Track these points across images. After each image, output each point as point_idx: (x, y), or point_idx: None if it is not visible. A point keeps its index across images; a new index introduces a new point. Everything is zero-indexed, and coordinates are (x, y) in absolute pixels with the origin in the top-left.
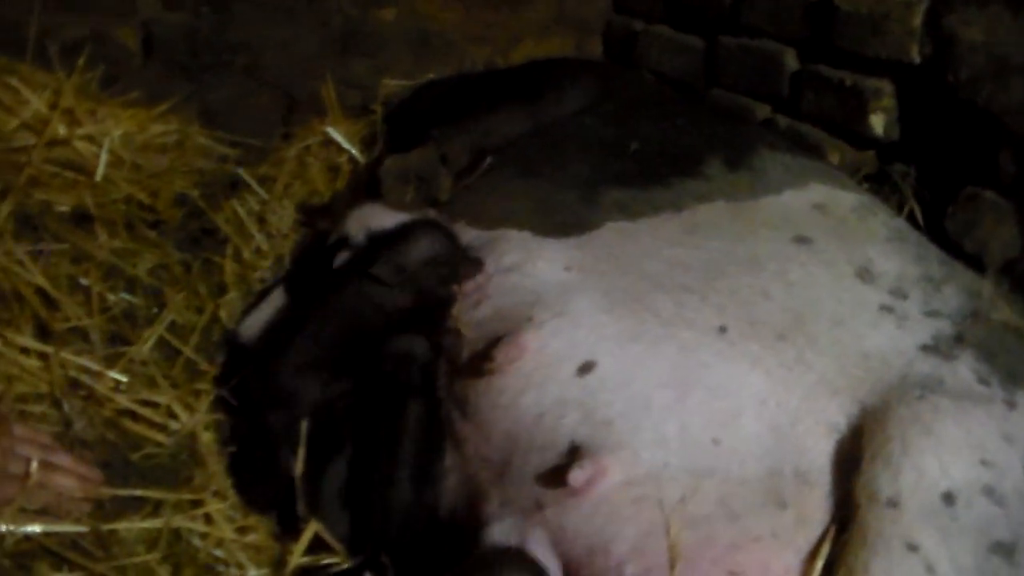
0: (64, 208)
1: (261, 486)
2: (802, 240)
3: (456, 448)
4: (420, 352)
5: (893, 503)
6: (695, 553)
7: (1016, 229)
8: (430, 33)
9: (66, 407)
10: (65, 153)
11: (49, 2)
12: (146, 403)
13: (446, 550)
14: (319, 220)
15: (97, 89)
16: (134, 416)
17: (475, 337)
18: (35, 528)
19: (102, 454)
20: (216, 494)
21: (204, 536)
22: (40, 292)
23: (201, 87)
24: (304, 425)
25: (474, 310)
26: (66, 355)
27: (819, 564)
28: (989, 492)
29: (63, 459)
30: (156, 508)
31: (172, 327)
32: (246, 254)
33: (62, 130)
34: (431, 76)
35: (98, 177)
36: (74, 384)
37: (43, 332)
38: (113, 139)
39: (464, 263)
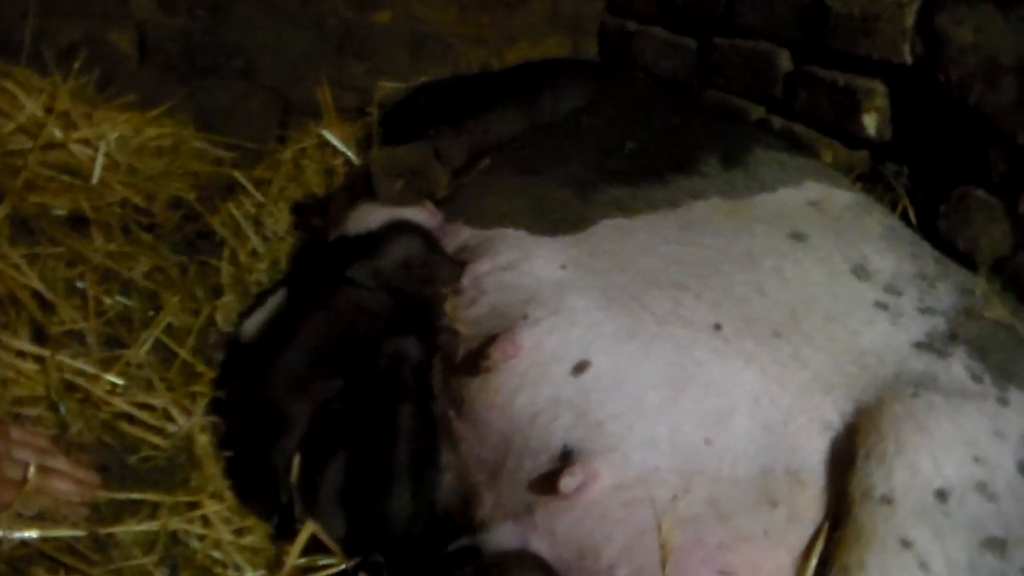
0: (60, 211)
1: (258, 489)
2: (797, 237)
3: (452, 447)
4: (413, 352)
5: (887, 500)
6: (685, 554)
7: (1007, 227)
8: (425, 35)
9: (63, 410)
10: (61, 157)
11: (44, 5)
12: (143, 406)
13: (441, 550)
14: (315, 220)
15: (92, 93)
16: (131, 419)
17: (471, 335)
18: (32, 533)
19: (99, 457)
20: (213, 496)
21: (201, 538)
22: (36, 295)
23: (196, 90)
24: (299, 428)
25: (470, 308)
26: (62, 358)
27: (813, 562)
28: (982, 488)
29: (60, 463)
30: (153, 511)
31: (168, 330)
32: (242, 257)
33: (58, 133)
34: (426, 78)
35: (94, 180)
36: (70, 387)
37: (39, 335)
38: (109, 142)
39: (444, 265)
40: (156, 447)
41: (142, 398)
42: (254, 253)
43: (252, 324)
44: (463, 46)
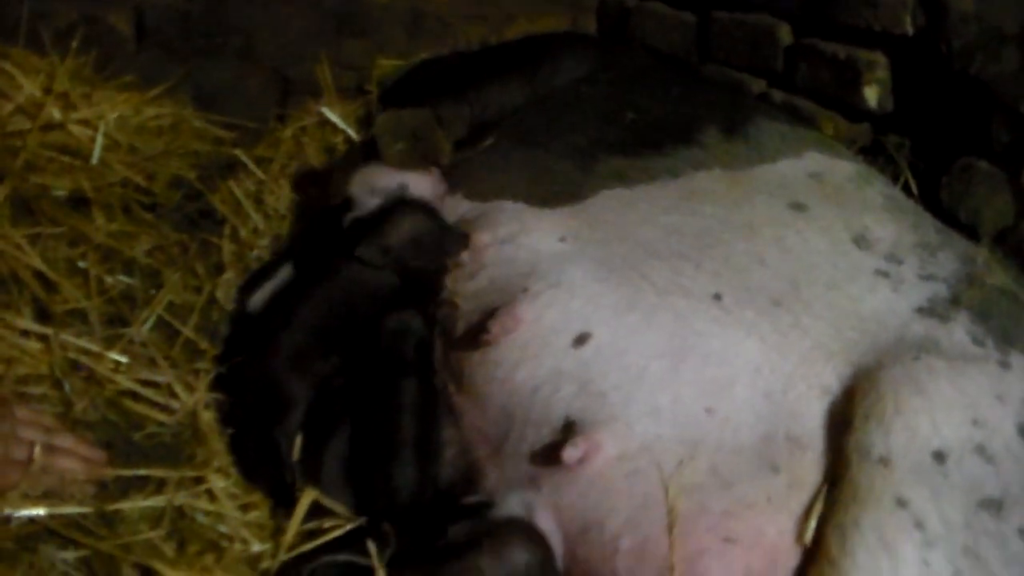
0: (61, 192)
1: (261, 467)
2: (798, 207)
3: (453, 422)
4: (416, 327)
5: (884, 461)
6: (690, 522)
7: (1010, 198)
8: (423, 13)
9: (67, 388)
10: (60, 137)
11: None
12: (147, 383)
13: (445, 523)
14: (316, 196)
15: (91, 73)
16: (135, 396)
17: (470, 309)
18: (39, 511)
19: (104, 434)
20: (219, 471)
21: (208, 513)
22: (38, 275)
23: (195, 70)
24: (301, 406)
25: (469, 282)
26: (66, 337)
27: (812, 523)
28: (980, 450)
29: (66, 441)
30: (159, 486)
31: (170, 307)
32: (243, 234)
33: (57, 114)
34: (425, 56)
35: (94, 160)
36: (74, 366)
37: (42, 315)
38: (108, 123)
39: (450, 239)
40: (161, 424)
41: (146, 375)
42: (256, 230)
43: (259, 298)
44: (462, 24)
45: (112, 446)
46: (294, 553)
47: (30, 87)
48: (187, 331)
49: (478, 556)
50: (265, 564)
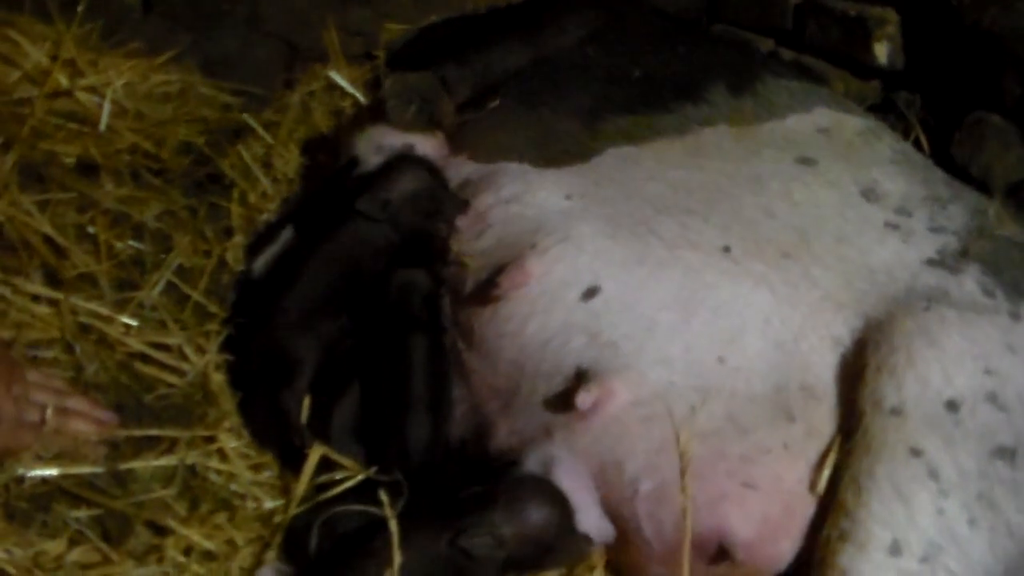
0: (69, 159)
1: (270, 428)
2: (806, 161)
3: (463, 379)
4: (423, 282)
5: (897, 411)
6: (708, 466)
7: (1021, 152)
8: None
9: (78, 352)
10: (67, 104)
11: None
12: (157, 346)
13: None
14: (324, 160)
15: (97, 40)
16: (145, 359)
17: (479, 267)
18: (52, 471)
19: (115, 397)
20: (230, 431)
21: (220, 472)
22: (48, 241)
23: (201, 38)
24: (308, 368)
25: (476, 241)
26: (76, 301)
27: (826, 473)
28: (992, 399)
29: (78, 403)
30: (171, 447)
31: (180, 271)
32: (252, 198)
33: (64, 81)
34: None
35: (102, 127)
36: (85, 329)
37: (52, 280)
38: (116, 89)
39: (450, 201)
40: (171, 386)
41: (156, 338)
42: (264, 194)
43: (262, 261)
44: None
45: (123, 408)
46: (305, 507)
47: (37, 55)
48: (196, 294)
49: (492, 512)
50: (278, 520)
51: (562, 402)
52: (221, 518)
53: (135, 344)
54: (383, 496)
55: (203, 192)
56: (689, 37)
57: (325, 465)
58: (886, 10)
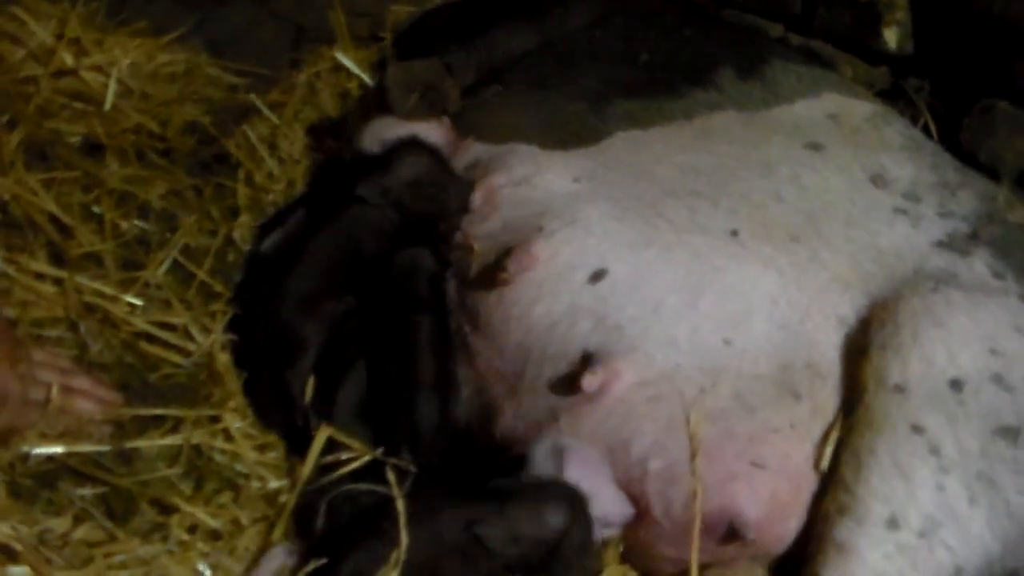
0: (74, 138)
1: (274, 409)
2: (815, 147)
3: (468, 363)
4: (427, 263)
5: (900, 388)
6: (717, 446)
7: None
8: None
9: (82, 331)
10: (73, 83)
11: None
12: (162, 325)
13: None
14: (329, 141)
15: (103, 19)
16: (150, 338)
17: (485, 250)
18: (57, 448)
19: (120, 376)
20: (235, 411)
21: (224, 452)
22: (53, 220)
23: (206, 18)
24: (313, 349)
25: (483, 224)
26: (81, 280)
27: (829, 450)
28: (997, 380)
29: (83, 382)
30: (176, 426)
31: (185, 251)
32: (258, 178)
33: (69, 60)
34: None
35: (107, 106)
36: (90, 308)
37: (57, 259)
38: (121, 68)
39: (454, 186)
40: (177, 365)
41: (161, 318)
42: (270, 175)
43: (271, 242)
44: None
45: (128, 387)
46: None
47: (42, 33)
48: (202, 274)
49: (516, 508)
50: (283, 500)
51: (568, 385)
52: (226, 497)
53: (140, 323)
54: (390, 476)
55: (208, 172)
56: (697, 21)
57: (331, 445)
58: None
